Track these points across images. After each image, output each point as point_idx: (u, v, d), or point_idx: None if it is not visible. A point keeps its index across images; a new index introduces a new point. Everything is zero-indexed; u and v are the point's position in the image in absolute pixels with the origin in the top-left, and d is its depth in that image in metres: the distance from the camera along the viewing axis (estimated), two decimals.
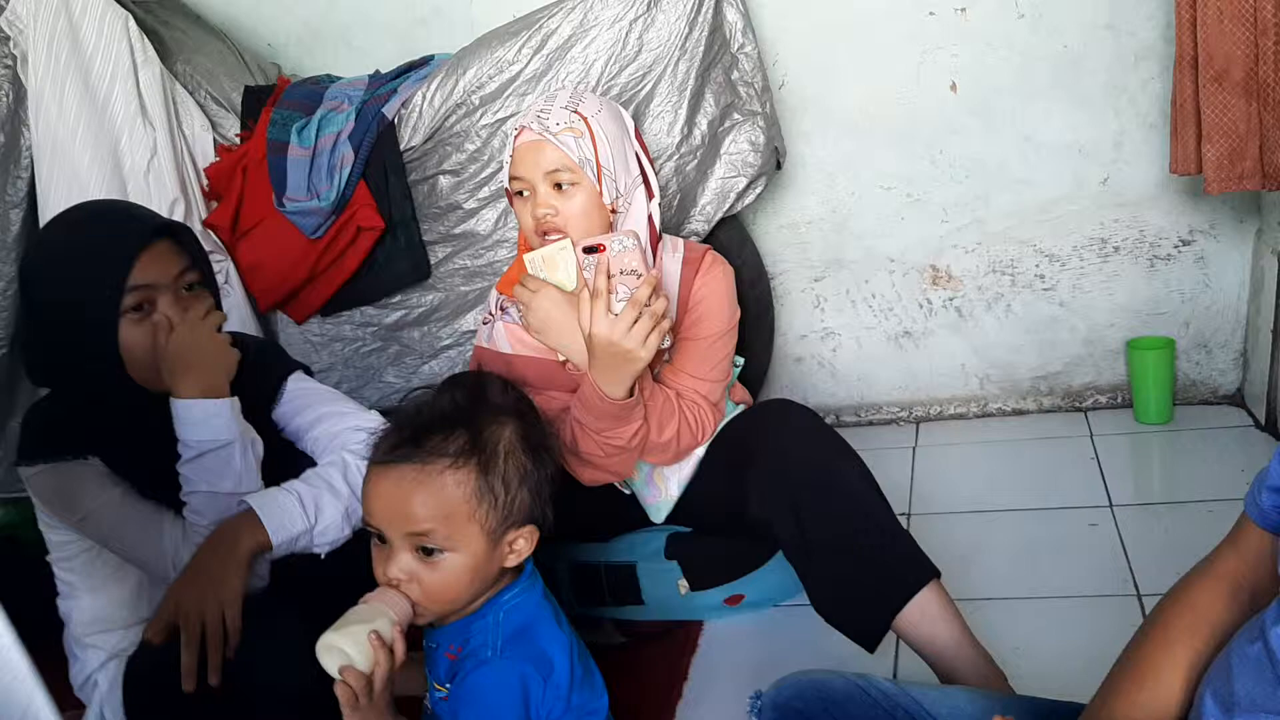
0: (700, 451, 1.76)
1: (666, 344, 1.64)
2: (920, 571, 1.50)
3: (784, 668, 1.45)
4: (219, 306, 1.57)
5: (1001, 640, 1.52)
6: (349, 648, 1.19)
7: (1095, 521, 2.03)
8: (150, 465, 1.51)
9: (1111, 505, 2.08)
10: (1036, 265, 2.53)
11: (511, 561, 1.28)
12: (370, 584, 1.28)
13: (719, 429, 1.76)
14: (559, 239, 1.63)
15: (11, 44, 2.13)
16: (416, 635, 1.32)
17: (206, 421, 1.47)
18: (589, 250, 1.55)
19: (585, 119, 1.68)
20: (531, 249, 1.66)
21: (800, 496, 1.54)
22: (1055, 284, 2.53)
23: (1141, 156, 2.41)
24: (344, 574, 1.39)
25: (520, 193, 1.69)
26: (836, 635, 1.57)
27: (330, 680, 1.21)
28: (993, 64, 2.43)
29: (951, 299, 2.59)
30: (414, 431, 1.26)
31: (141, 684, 1.56)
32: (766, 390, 2.60)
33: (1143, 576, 1.81)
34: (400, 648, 1.21)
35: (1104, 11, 2.35)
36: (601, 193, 1.67)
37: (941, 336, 2.62)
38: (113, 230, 1.50)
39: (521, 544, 1.28)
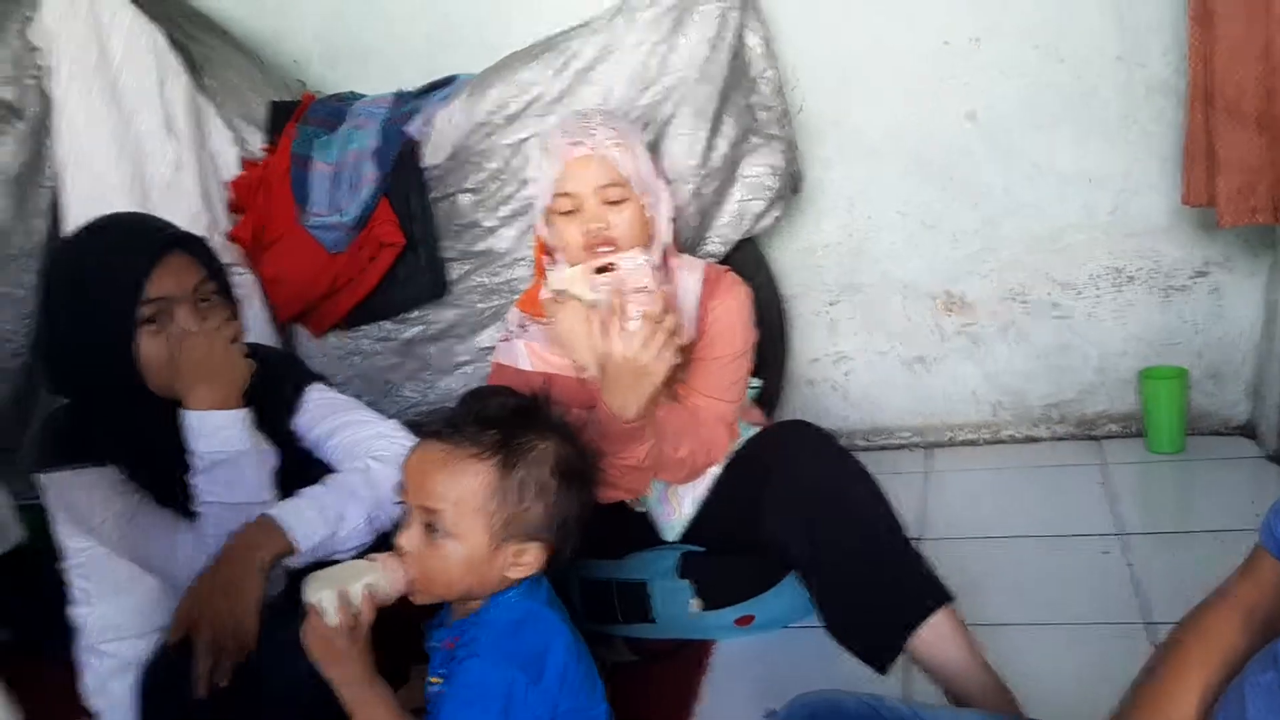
0: (715, 470, 1.77)
1: (678, 360, 1.65)
2: (934, 594, 1.50)
3: (795, 689, 1.46)
4: (236, 318, 1.58)
5: (1012, 666, 1.53)
6: (325, 593, 1.23)
7: (1106, 549, 2.03)
8: (165, 474, 1.53)
9: (1122, 534, 2.08)
10: (1049, 293, 2.54)
11: (515, 574, 1.28)
12: None
13: (735, 449, 1.77)
14: (609, 250, 1.65)
15: (40, 55, 2.16)
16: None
17: (218, 432, 1.48)
18: (600, 270, 1.57)
19: (626, 135, 1.71)
20: (546, 267, 1.69)
21: (815, 517, 1.55)
22: (1069, 312, 2.54)
23: (1153, 187, 2.42)
24: None
25: (569, 210, 1.70)
26: (848, 657, 1.57)
27: None
28: (1006, 93, 2.46)
29: (965, 325, 2.60)
30: (460, 417, 1.29)
31: (156, 692, 1.57)
32: (778, 413, 2.61)
33: (1153, 605, 1.81)
34: (366, 614, 1.24)
35: (1116, 43, 2.38)
36: (645, 207, 1.70)
37: (954, 362, 2.63)
38: (130, 242, 1.52)
39: (528, 558, 1.28)
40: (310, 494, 1.51)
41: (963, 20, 2.43)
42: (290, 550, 1.45)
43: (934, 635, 1.49)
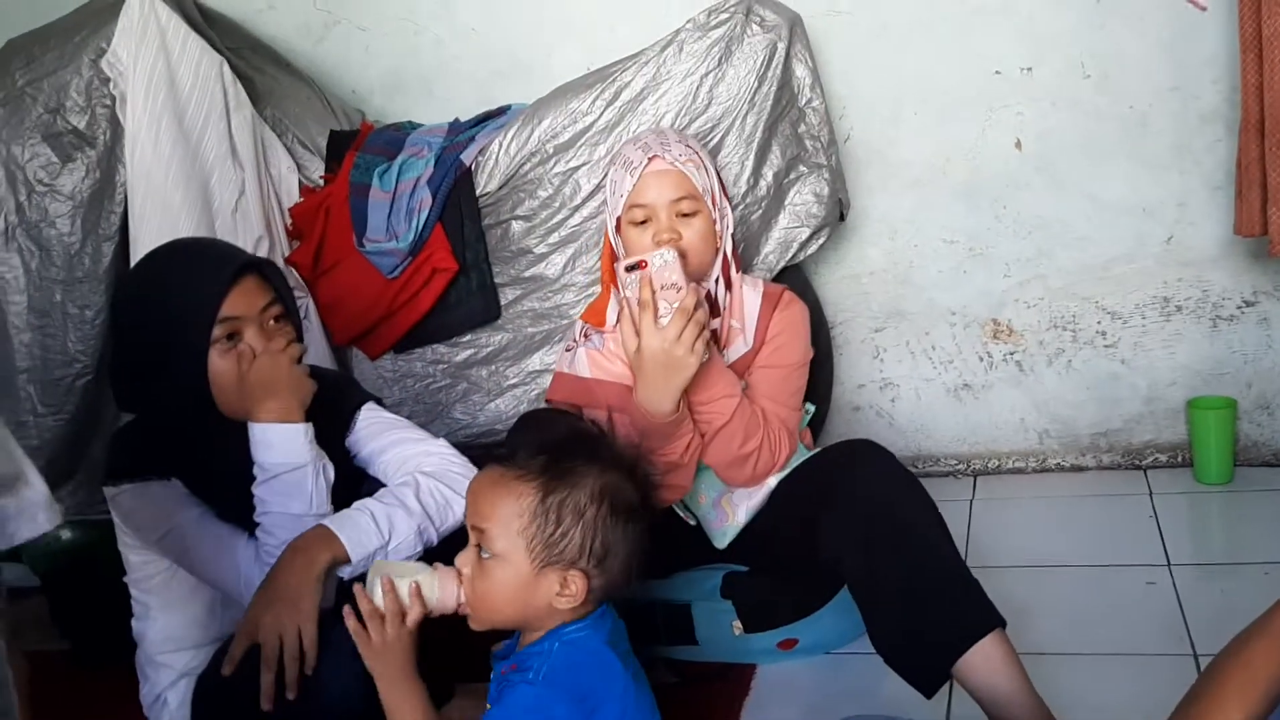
0: (772, 482, 1.80)
1: (709, 355, 1.69)
2: (986, 618, 1.51)
3: (837, 714, 1.48)
4: (300, 339, 1.64)
5: (1056, 696, 1.53)
6: (377, 579, 1.31)
7: (1153, 580, 2.02)
8: (228, 488, 1.59)
9: (1169, 564, 2.07)
10: (1098, 322, 2.53)
11: (562, 604, 1.29)
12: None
13: (792, 466, 1.80)
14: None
15: (112, 85, 2.23)
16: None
17: (282, 445, 1.54)
18: (631, 268, 1.62)
19: (698, 152, 1.78)
20: (615, 281, 1.74)
21: (873, 534, 1.57)
22: (1117, 341, 2.53)
23: (1206, 217, 2.42)
24: None
25: (642, 221, 1.76)
26: (891, 684, 1.58)
27: None
28: (1057, 123, 2.46)
29: (1012, 353, 2.60)
30: (528, 440, 1.34)
31: (210, 703, 1.62)
32: (823, 439, 2.62)
33: (1199, 636, 1.80)
34: (414, 612, 1.30)
35: (1169, 74, 2.38)
36: (716, 221, 1.75)
37: (1001, 390, 2.63)
38: (206, 265, 1.59)
39: (573, 588, 1.29)
40: (363, 505, 1.56)
41: (1014, 50, 2.45)
42: (345, 559, 1.49)
43: (983, 659, 1.49)
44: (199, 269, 1.59)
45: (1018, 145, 2.49)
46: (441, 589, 1.33)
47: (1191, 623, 1.85)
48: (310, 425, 1.57)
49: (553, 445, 1.32)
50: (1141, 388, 2.55)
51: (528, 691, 1.26)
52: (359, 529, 1.51)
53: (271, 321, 1.61)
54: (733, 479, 1.80)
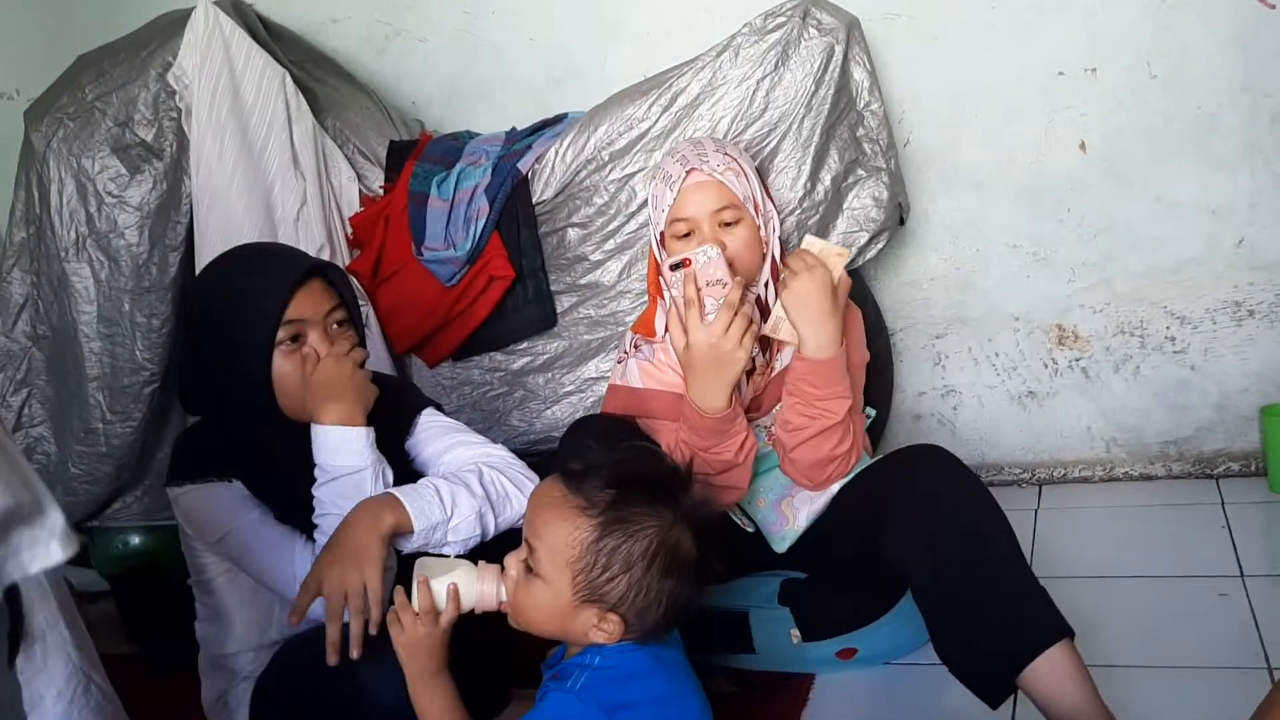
0: (834, 487, 1.78)
1: (758, 352, 1.70)
2: (1054, 627, 1.47)
3: None
4: (363, 344, 1.66)
5: (1125, 709, 1.49)
6: (419, 574, 1.32)
7: (1225, 591, 1.97)
8: (288, 490, 1.61)
9: (1243, 575, 2.01)
10: (1167, 327, 2.48)
11: (596, 637, 1.28)
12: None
13: (855, 472, 1.78)
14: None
15: (178, 97, 2.28)
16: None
17: (343, 447, 1.56)
18: (675, 267, 1.63)
19: (737, 160, 1.77)
20: (662, 293, 1.73)
21: (941, 539, 1.54)
22: (1186, 347, 2.47)
23: (1278, 219, 2.35)
24: None
25: (685, 234, 1.75)
26: (952, 696, 1.55)
27: None
28: (1123, 124, 2.41)
29: (1078, 359, 2.55)
30: (599, 466, 1.30)
31: (268, 706, 1.63)
32: (883, 447, 2.59)
33: (1274, 649, 1.75)
34: (449, 610, 1.31)
35: (1239, 73, 2.32)
36: (760, 228, 1.74)
37: (1067, 397, 2.58)
38: (272, 268, 1.62)
39: (609, 628, 1.27)
40: (428, 481, 1.58)
41: (1078, 50, 2.40)
42: (408, 527, 1.49)
43: (1050, 669, 1.45)
44: (265, 272, 1.62)
45: (1082, 147, 2.45)
46: (481, 587, 1.33)
47: (1266, 635, 1.80)
48: (371, 429, 1.59)
49: (624, 481, 1.29)
50: (1213, 395, 2.48)
51: (562, 700, 1.26)
52: (424, 500, 1.52)
53: (335, 326, 1.64)
54: (809, 480, 1.78)
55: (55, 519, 0.90)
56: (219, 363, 1.62)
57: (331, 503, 1.55)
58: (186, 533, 1.69)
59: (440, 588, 1.33)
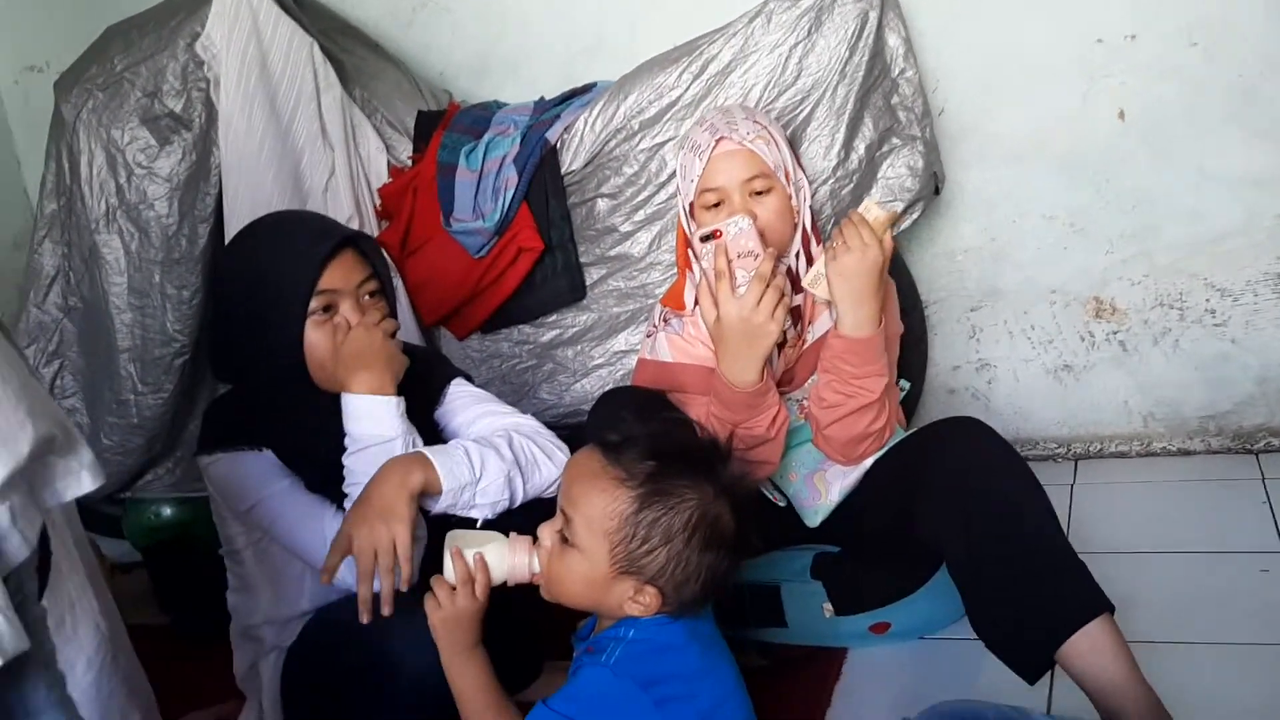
0: (868, 461, 1.76)
1: (788, 325, 1.67)
2: (1094, 601, 1.44)
3: (930, 700, 1.43)
4: (394, 315, 1.65)
5: (1165, 685, 1.46)
6: (450, 548, 1.31)
7: (1266, 567, 1.93)
8: (318, 460, 1.61)
9: None
10: (1207, 300, 2.43)
11: (632, 610, 1.27)
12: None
13: (889, 445, 1.76)
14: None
15: (206, 68, 2.27)
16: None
17: (373, 416, 1.55)
18: (706, 238, 1.60)
19: (766, 128, 1.73)
20: (691, 265, 1.71)
21: (976, 512, 1.51)
22: (1227, 319, 2.43)
23: None
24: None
25: (715, 204, 1.73)
26: (988, 671, 1.53)
27: None
28: (1163, 93, 2.36)
29: (1115, 332, 2.51)
30: (637, 437, 1.28)
31: (299, 676, 1.64)
32: (917, 422, 2.56)
33: None
34: (481, 581, 1.29)
35: None
36: (791, 196, 1.72)
37: (1103, 371, 2.54)
38: (305, 238, 1.62)
39: (646, 599, 1.26)
40: (457, 443, 1.57)
41: (1117, 17, 2.35)
42: (436, 486, 1.48)
43: (1090, 644, 1.42)
44: (298, 241, 1.62)
45: (1120, 116, 2.40)
46: (513, 559, 1.32)
47: None
48: (402, 399, 1.58)
49: (664, 454, 1.27)
50: (1254, 368, 2.43)
51: (597, 674, 1.25)
52: (453, 460, 1.51)
53: (366, 296, 1.64)
54: (843, 456, 1.76)
55: (85, 452, 0.94)
56: (250, 332, 1.62)
57: (361, 472, 1.54)
58: (217, 501, 1.69)
59: (470, 557, 1.32)
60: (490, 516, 1.54)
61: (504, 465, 1.55)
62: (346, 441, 1.57)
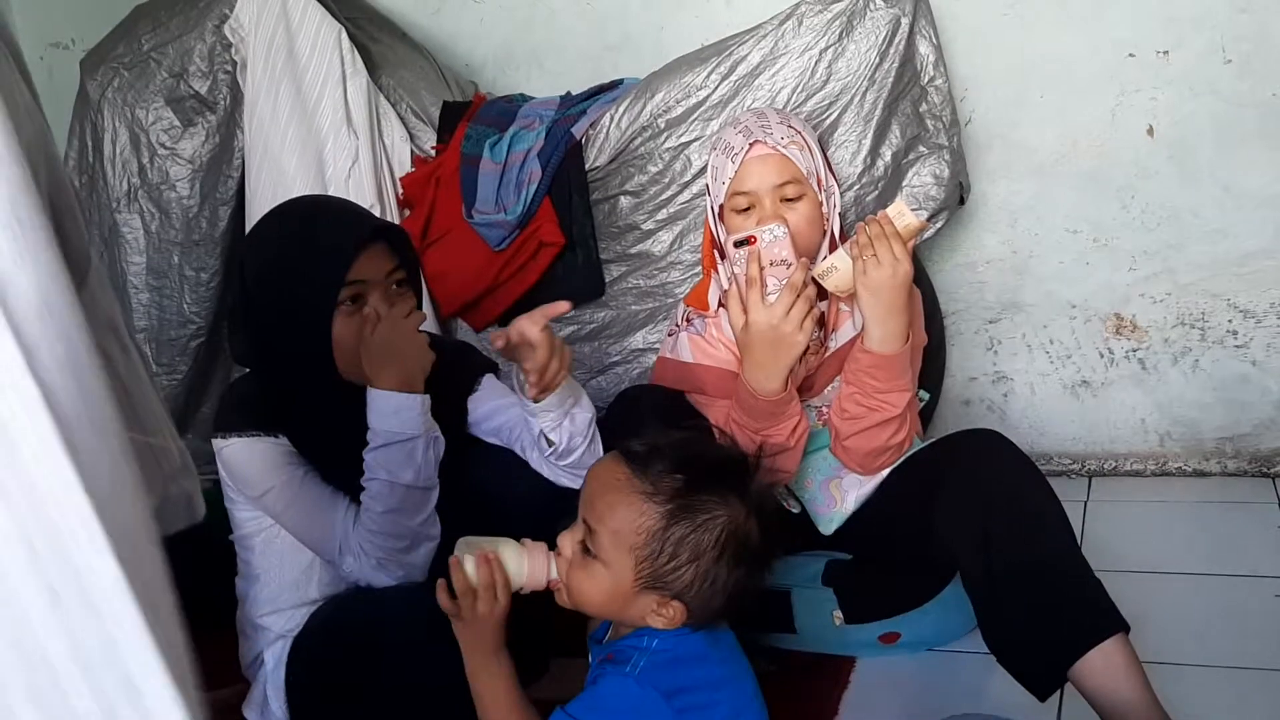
0: (884, 471, 1.75)
1: (817, 336, 1.65)
2: (1110, 620, 1.43)
3: (938, 713, 1.42)
4: (420, 308, 1.64)
5: (1174, 707, 1.45)
6: (467, 554, 1.28)
7: None
8: (335, 450, 1.59)
9: None
10: (1229, 320, 2.41)
11: (656, 623, 1.24)
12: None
13: (906, 455, 1.75)
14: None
15: (233, 50, 2.27)
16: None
17: (398, 413, 1.53)
18: (740, 244, 1.58)
19: (801, 133, 1.72)
20: (718, 262, 1.70)
21: (993, 526, 1.50)
22: (1249, 341, 2.41)
23: None
24: None
25: (746, 208, 1.71)
26: (997, 685, 1.52)
27: None
28: (1194, 109, 2.34)
29: (1135, 350, 2.49)
30: (663, 448, 1.24)
31: (303, 665, 1.63)
32: (932, 433, 2.55)
33: None
34: (500, 582, 1.27)
35: None
36: (822, 203, 1.70)
37: (1122, 388, 2.52)
38: (338, 226, 1.59)
39: (670, 613, 1.23)
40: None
41: (1150, 32, 2.33)
42: None
43: (1103, 663, 1.41)
44: (331, 229, 1.59)
45: (1150, 132, 2.38)
46: (530, 566, 1.30)
47: None
48: (427, 397, 1.56)
49: (692, 466, 1.23)
50: (1274, 391, 2.41)
51: (621, 684, 1.22)
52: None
53: (395, 286, 1.61)
54: (861, 467, 1.75)
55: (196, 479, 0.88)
56: (276, 317, 1.59)
57: (381, 467, 1.53)
58: (228, 485, 1.67)
59: (473, 565, 1.30)
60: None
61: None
62: (369, 436, 1.55)
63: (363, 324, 1.56)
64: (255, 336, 1.64)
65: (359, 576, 1.56)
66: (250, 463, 1.60)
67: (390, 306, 1.58)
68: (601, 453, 1.59)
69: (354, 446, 1.56)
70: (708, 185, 1.84)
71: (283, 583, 1.68)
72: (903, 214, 1.63)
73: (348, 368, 1.59)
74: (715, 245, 1.82)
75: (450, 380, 1.66)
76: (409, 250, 1.65)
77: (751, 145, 1.72)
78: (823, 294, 1.74)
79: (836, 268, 1.65)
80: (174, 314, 2.31)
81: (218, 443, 1.64)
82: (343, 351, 1.57)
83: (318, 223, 1.61)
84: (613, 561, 1.22)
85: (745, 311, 1.58)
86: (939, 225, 2.24)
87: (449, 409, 1.63)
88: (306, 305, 1.55)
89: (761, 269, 1.58)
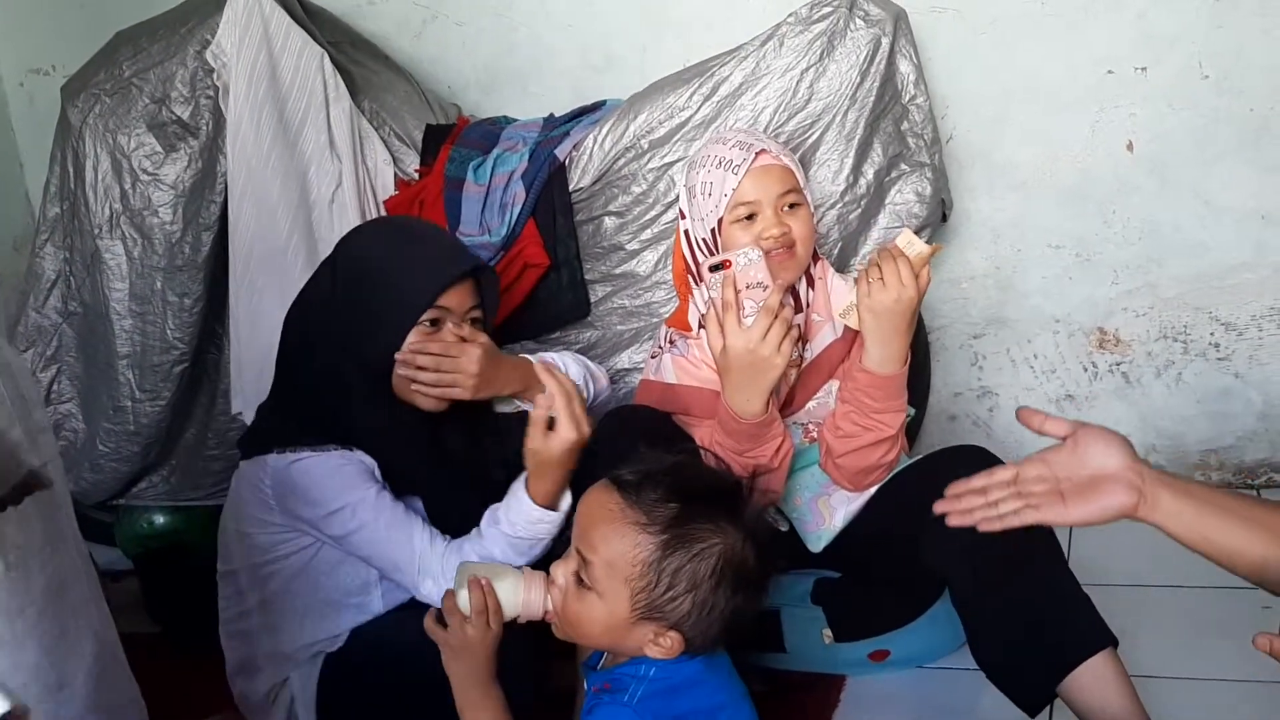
0: (872, 488, 1.75)
1: (796, 355, 1.67)
2: (1098, 635, 1.44)
3: None
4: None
5: None
6: (461, 585, 1.29)
7: (1269, 604, 1.91)
8: (406, 471, 1.64)
9: None
10: (1212, 333, 2.43)
11: (652, 652, 1.23)
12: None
13: (893, 472, 1.75)
14: (785, 253, 1.71)
15: (216, 76, 2.26)
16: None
17: (536, 525, 1.58)
18: (715, 268, 1.60)
19: (784, 146, 1.80)
20: (693, 286, 1.70)
21: (981, 542, 1.49)
22: (1231, 354, 2.42)
23: None
24: None
25: (748, 217, 1.73)
26: (987, 701, 1.53)
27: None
28: (1173, 125, 2.36)
29: (1118, 364, 2.50)
30: (657, 475, 1.24)
31: (338, 686, 1.62)
32: (918, 449, 2.55)
33: None
34: (495, 621, 1.28)
35: None
36: (812, 213, 1.73)
37: (1106, 402, 2.53)
38: (441, 253, 1.70)
39: (667, 643, 1.22)
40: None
41: (1129, 48, 2.35)
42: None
43: (1093, 678, 1.42)
44: (432, 252, 1.68)
45: (1129, 147, 2.40)
46: (527, 595, 1.29)
47: None
48: (567, 504, 1.60)
49: (686, 494, 1.22)
50: (1257, 403, 2.43)
51: (619, 713, 1.21)
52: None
53: (468, 323, 1.68)
54: (851, 484, 1.76)
55: None
56: (359, 314, 1.63)
57: (499, 543, 1.57)
58: (270, 506, 1.62)
59: (466, 595, 1.29)
60: None
61: (580, 367, 1.85)
62: (500, 514, 1.59)
63: (444, 347, 1.62)
64: (326, 331, 1.65)
65: (438, 601, 1.55)
66: (328, 477, 1.59)
67: (463, 332, 1.64)
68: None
69: (425, 466, 1.64)
70: (682, 209, 1.85)
71: (321, 607, 1.66)
72: (912, 243, 1.64)
73: (401, 384, 1.63)
74: (688, 269, 1.82)
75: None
76: (493, 291, 1.73)
77: (756, 155, 1.73)
78: (797, 304, 1.75)
79: (854, 304, 1.67)
80: (157, 339, 2.29)
81: (278, 459, 1.60)
82: (405, 366, 1.62)
83: (422, 241, 1.71)
84: (608, 592, 1.21)
85: (723, 336, 1.58)
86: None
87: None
88: (392, 310, 1.61)
89: (738, 292, 1.59)
